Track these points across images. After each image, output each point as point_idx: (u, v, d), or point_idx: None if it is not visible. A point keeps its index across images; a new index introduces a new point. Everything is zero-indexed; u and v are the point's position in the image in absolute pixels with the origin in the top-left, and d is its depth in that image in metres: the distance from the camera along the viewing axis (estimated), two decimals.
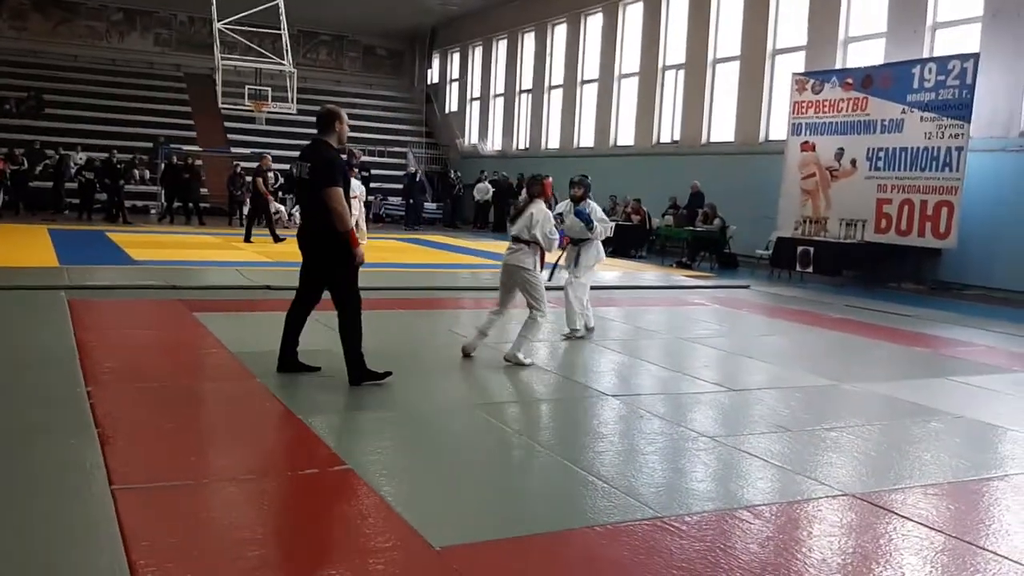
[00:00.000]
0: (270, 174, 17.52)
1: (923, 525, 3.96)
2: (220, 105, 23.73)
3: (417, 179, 26.93)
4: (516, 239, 7.26)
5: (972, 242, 13.73)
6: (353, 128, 31.88)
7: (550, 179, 7.57)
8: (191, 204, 22.42)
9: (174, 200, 22.53)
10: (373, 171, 28.47)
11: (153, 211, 24.44)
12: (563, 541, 3.60)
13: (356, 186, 15.41)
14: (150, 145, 26.09)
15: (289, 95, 23.73)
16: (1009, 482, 4.70)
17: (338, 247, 5.95)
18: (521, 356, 7.06)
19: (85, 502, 3.72)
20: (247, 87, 24.10)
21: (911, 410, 6.21)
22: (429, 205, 28.34)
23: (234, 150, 27.54)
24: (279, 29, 23.47)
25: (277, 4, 22.98)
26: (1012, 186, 13.65)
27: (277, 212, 19.46)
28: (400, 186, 27.91)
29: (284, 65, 23.47)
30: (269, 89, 24.41)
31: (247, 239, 16.86)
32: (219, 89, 23.16)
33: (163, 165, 23.34)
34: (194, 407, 5.59)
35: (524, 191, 7.70)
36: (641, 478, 4.46)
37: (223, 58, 23.15)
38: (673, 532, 3.73)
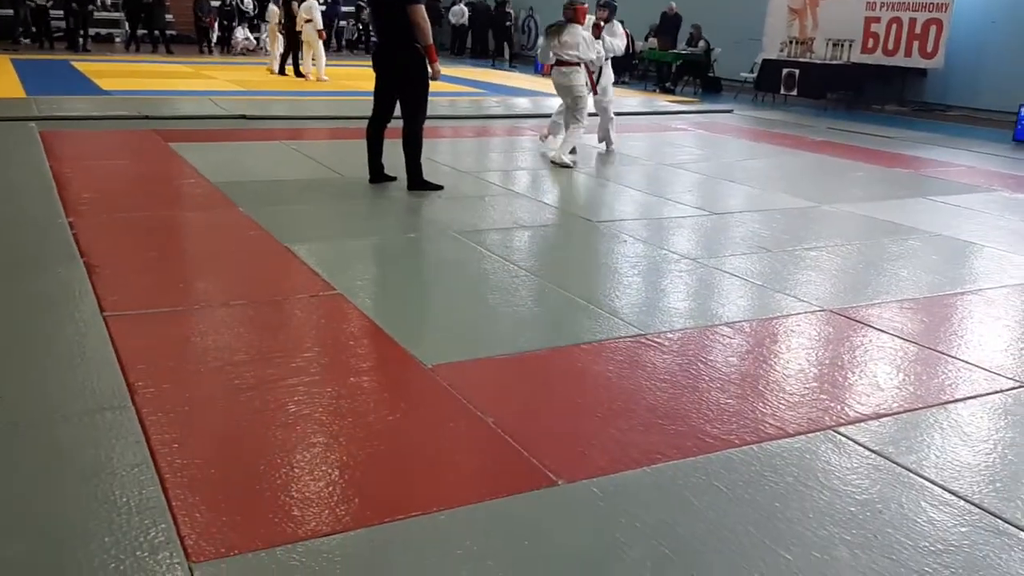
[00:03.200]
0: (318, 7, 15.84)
1: (898, 337, 4.10)
2: None
3: None
4: (565, 61, 8.30)
5: (959, 62, 13.52)
6: None
7: (585, 4, 8.26)
8: (157, 32, 21.50)
9: (138, 27, 21.57)
10: None
11: (118, 39, 23.45)
12: (550, 358, 3.71)
13: (309, 7, 14.84)
14: None
15: None
16: (983, 296, 4.84)
17: (416, 63, 6.48)
18: (566, 159, 8.26)
19: (78, 328, 3.77)
20: None
21: (889, 229, 6.30)
22: None
23: None
24: None
25: None
26: (1001, 4, 13.29)
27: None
28: None
29: None
30: None
31: (281, 71, 16.14)
32: None
33: None
34: (178, 236, 5.57)
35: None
36: (625, 299, 4.55)
37: None
38: (655, 347, 3.85)
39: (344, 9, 27.07)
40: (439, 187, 6.94)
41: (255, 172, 7.42)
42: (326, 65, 15.81)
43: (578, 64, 8.34)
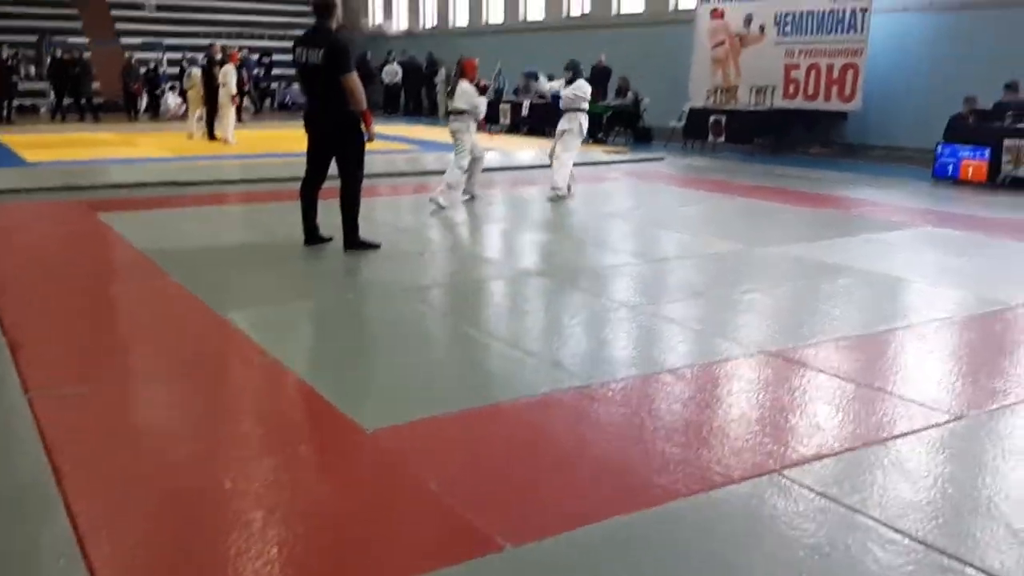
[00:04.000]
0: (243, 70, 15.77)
1: (835, 376, 4.16)
2: None
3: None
4: (452, 111, 9.23)
5: (876, 103, 14.02)
6: (251, 11, 30.50)
7: (472, 60, 9.28)
8: (84, 100, 21.22)
9: (64, 97, 21.27)
10: (275, 57, 27.34)
11: (43, 109, 23.08)
12: (493, 414, 3.67)
13: (225, 72, 14.89)
14: (33, 39, 24.39)
15: None
16: (913, 330, 4.95)
17: (350, 123, 6.50)
18: (440, 199, 8.81)
19: (1, 409, 3.61)
20: None
21: (820, 268, 6.44)
22: None
23: (124, 41, 25.97)
24: None
25: None
26: (914, 46, 13.89)
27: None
28: None
29: None
30: None
31: (211, 136, 15.95)
32: None
33: (49, 60, 21.88)
34: (107, 309, 5.42)
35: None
36: (566, 350, 4.54)
37: None
38: (599, 399, 3.83)
39: (278, 72, 27.15)
40: (376, 245, 6.88)
41: (187, 239, 7.29)
42: (235, 127, 15.84)
43: (463, 113, 9.07)
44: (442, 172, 12.18)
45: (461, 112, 9.09)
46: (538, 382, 4.03)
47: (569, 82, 9.92)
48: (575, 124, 9.81)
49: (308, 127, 6.74)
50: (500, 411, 3.70)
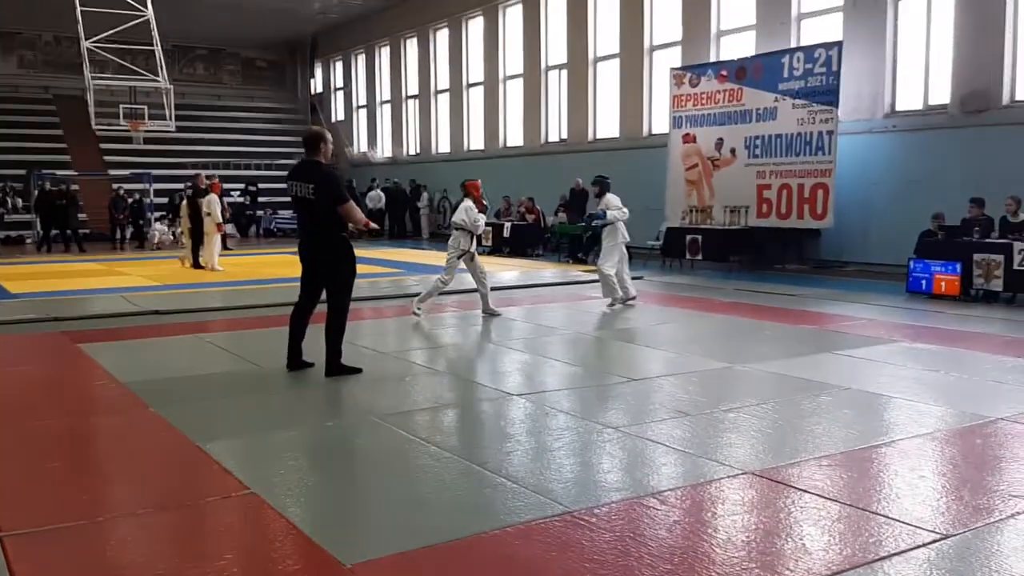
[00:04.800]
0: (224, 198, 16.27)
1: (819, 496, 4.13)
2: (94, 126, 22.78)
3: None
4: (451, 226, 9.93)
5: (847, 221, 14.40)
6: (236, 142, 31.45)
7: (477, 181, 10.08)
8: (69, 231, 21.47)
9: (51, 228, 21.53)
10: (261, 185, 27.94)
11: (29, 241, 23.30)
12: (476, 545, 3.61)
13: (209, 201, 15.30)
14: (22, 172, 24.87)
15: (167, 112, 22.96)
16: (895, 447, 4.95)
17: (342, 250, 6.76)
18: (416, 308, 9.80)
19: None
20: (121, 106, 23.20)
21: (801, 386, 6.47)
22: None
23: (112, 172, 26.52)
24: (152, 45, 22.68)
25: (148, 20, 22.20)
26: (880, 165, 14.39)
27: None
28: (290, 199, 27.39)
29: (159, 82, 22.69)
30: (145, 107, 23.56)
31: (196, 264, 16.09)
32: (92, 110, 22.21)
33: (36, 192, 22.25)
34: (83, 443, 5.35)
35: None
36: (550, 475, 4.51)
37: (94, 77, 22.22)
38: (584, 525, 3.79)
39: (263, 199, 27.66)
40: (358, 370, 6.91)
41: (168, 369, 7.27)
42: (220, 255, 16.12)
43: (459, 230, 9.75)
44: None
45: (458, 228, 9.77)
46: (521, 509, 3.99)
47: (598, 196, 10.76)
48: (617, 237, 10.63)
49: (301, 254, 6.94)
50: (483, 542, 3.64)
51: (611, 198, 10.58)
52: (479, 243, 10.19)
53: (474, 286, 10.18)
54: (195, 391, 6.47)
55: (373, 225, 7.03)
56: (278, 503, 4.06)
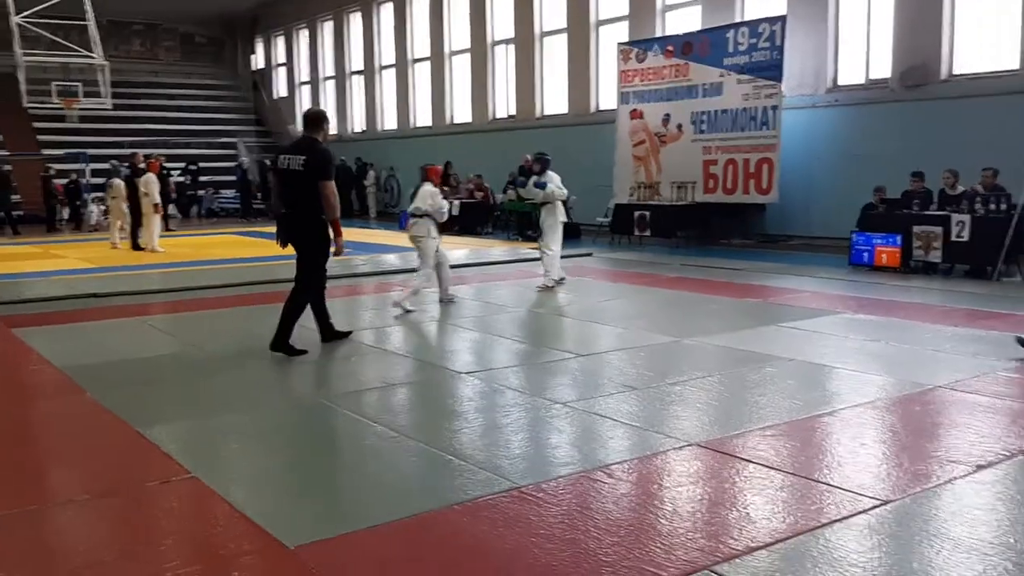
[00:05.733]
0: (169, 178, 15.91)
1: (763, 466, 4.18)
2: (26, 104, 22.05)
3: (243, 169, 26.07)
4: (413, 214, 9.13)
5: (792, 195, 14.59)
6: (176, 120, 30.66)
7: (436, 166, 9.59)
8: (3, 213, 20.81)
9: None
10: (202, 164, 27.35)
11: None
12: (422, 524, 3.58)
13: (147, 181, 14.95)
14: None
15: (102, 89, 22.31)
16: (837, 417, 5.03)
17: (317, 232, 6.72)
18: (406, 304, 8.78)
19: None
20: (54, 84, 22.48)
21: (746, 358, 6.54)
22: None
23: (46, 152, 25.73)
24: (85, 20, 21.98)
25: None
26: (823, 140, 14.58)
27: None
28: (233, 178, 26.93)
29: (94, 58, 22.02)
30: (80, 85, 22.85)
31: (135, 246, 15.63)
32: (23, 88, 21.49)
33: None
34: (18, 430, 5.19)
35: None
36: (498, 451, 4.49)
37: (25, 54, 21.48)
38: (532, 501, 3.78)
39: (205, 179, 27.10)
40: (303, 352, 6.83)
41: (106, 353, 7.09)
42: (161, 236, 15.79)
43: (422, 216, 9.02)
44: (374, 274, 12.23)
45: (422, 215, 9.01)
46: (469, 486, 3.96)
47: (539, 174, 10.55)
48: (557, 215, 10.52)
49: (280, 236, 6.90)
50: (431, 520, 3.61)
51: (552, 175, 10.49)
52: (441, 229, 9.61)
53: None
54: (135, 375, 6.31)
55: (342, 240, 6.89)
56: (220, 487, 3.98)
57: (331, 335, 7.26)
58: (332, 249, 6.86)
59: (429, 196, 9.04)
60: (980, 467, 4.12)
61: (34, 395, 5.98)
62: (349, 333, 7.45)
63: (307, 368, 6.55)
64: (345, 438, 4.80)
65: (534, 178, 10.64)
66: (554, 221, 10.56)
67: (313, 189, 6.60)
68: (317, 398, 5.55)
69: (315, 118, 6.96)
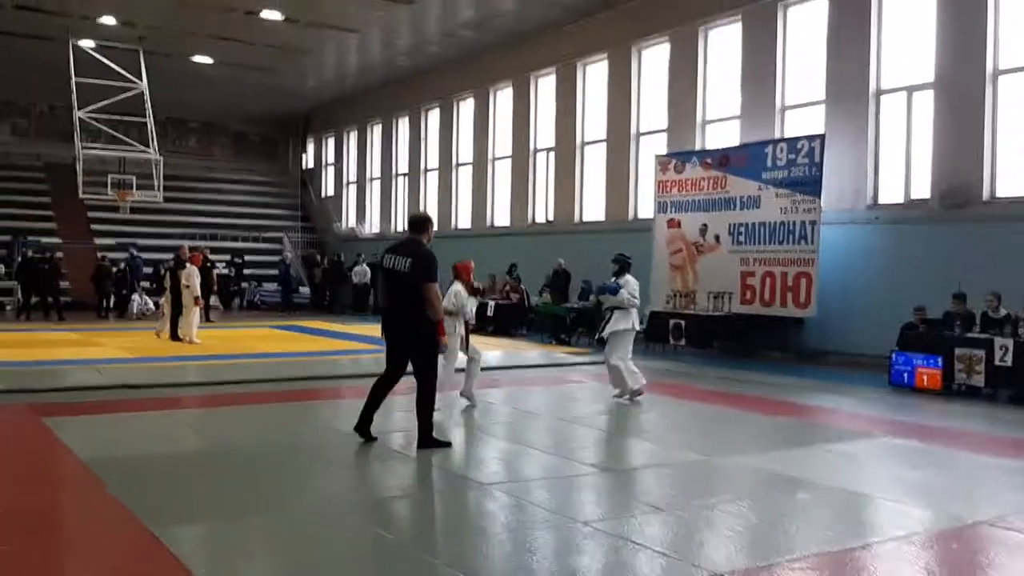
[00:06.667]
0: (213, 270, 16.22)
1: None
2: (81, 195, 22.83)
3: (286, 264, 26.62)
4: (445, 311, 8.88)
5: (830, 310, 14.41)
6: (225, 214, 31.47)
7: (466, 262, 9.48)
8: (50, 299, 21.32)
9: (31, 295, 21.37)
10: (247, 257, 27.94)
11: (8, 307, 23.10)
12: None
13: (188, 274, 15.22)
14: (7, 238, 24.84)
15: (155, 183, 23.07)
16: (871, 551, 4.82)
17: (424, 329, 6.98)
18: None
19: None
20: (110, 175, 23.30)
21: (779, 482, 6.34)
22: (303, 290, 27.89)
23: (97, 241, 26.50)
24: (145, 117, 22.92)
25: (142, 92, 22.48)
26: (862, 255, 14.48)
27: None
28: (276, 272, 27.42)
29: (149, 153, 22.86)
30: (133, 177, 23.66)
31: (173, 336, 15.89)
32: (80, 178, 22.30)
33: (19, 259, 22.17)
34: (32, 525, 5.14)
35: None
36: (516, 573, 4.35)
37: (84, 146, 22.37)
38: None
39: (248, 272, 27.63)
40: (447, 444, 7.17)
41: (133, 446, 7.10)
42: (200, 327, 16.00)
43: (450, 315, 8.91)
44: (409, 374, 12.20)
45: (448, 313, 8.97)
46: None
47: (616, 276, 10.04)
48: (628, 322, 9.91)
49: (385, 330, 7.23)
50: None
51: (630, 280, 10.01)
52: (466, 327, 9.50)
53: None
54: (159, 471, 6.29)
55: (444, 338, 7.32)
56: None
57: (364, 429, 7.29)
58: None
59: (453, 295, 9.09)
60: None
61: (54, 489, 5.97)
62: (375, 439, 7.36)
63: (334, 471, 6.49)
64: (359, 549, 4.69)
65: (601, 285, 10.25)
66: (626, 327, 9.91)
67: (417, 290, 6.90)
68: (339, 507, 5.45)
69: (421, 222, 7.32)
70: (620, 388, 9.93)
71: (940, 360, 11.09)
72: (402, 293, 7.05)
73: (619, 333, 9.87)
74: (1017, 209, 12.66)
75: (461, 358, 9.42)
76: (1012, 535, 5.14)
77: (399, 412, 9.26)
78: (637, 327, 10.05)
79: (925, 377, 11.21)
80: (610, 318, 10.02)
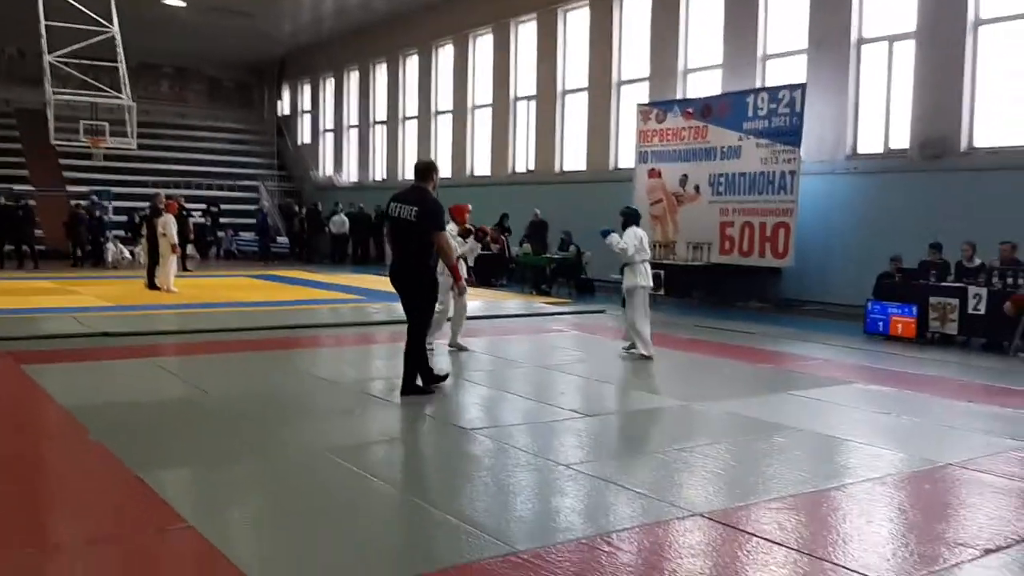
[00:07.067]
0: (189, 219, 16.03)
1: (767, 540, 4.09)
2: (53, 141, 22.42)
3: (263, 212, 26.41)
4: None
5: (808, 261, 14.54)
6: (200, 162, 31.12)
7: (461, 205, 9.50)
8: (24, 247, 21.06)
9: (5, 243, 21.09)
10: (223, 206, 27.67)
11: None
12: None
13: (165, 222, 15.10)
14: None
15: (129, 129, 22.69)
16: (845, 492, 4.94)
17: (426, 280, 7.04)
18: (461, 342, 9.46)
19: None
20: (82, 122, 22.89)
21: (755, 426, 6.46)
22: (281, 239, 27.72)
23: (70, 188, 26.12)
24: (116, 62, 22.44)
25: (113, 36, 21.98)
26: (840, 206, 14.58)
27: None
28: (253, 221, 27.21)
29: (122, 99, 22.44)
30: (106, 124, 23.24)
31: (151, 285, 15.73)
32: (51, 124, 21.88)
33: None
34: (16, 468, 5.16)
35: None
36: (500, 514, 4.43)
37: (55, 92, 21.90)
38: (529, 567, 3.71)
39: (225, 220, 27.39)
40: (430, 392, 7.19)
41: (114, 393, 7.10)
42: (177, 276, 15.88)
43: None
44: (388, 323, 12.23)
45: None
46: (465, 549, 3.90)
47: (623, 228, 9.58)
48: (636, 278, 9.47)
49: (393, 281, 7.18)
50: None
51: (631, 232, 9.51)
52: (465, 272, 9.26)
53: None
54: (140, 418, 6.30)
55: (463, 282, 7.42)
56: (216, 538, 3.93)
57: (432, 378, 7.38)
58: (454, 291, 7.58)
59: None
60: (988, 551, 4.02)
61: (38, 434, 5.97)
62: (445, 376, 7.55)
63: (313, 418, 6.52)
64: (345, 494, 4.74)
65: (614, 236, 9.59)
66: (632, 284, 9.47)
67: (425, 238, 6.90)
68: (321, 451, 5.50)
69: (425, 169, 7.25)
70: (639, 348, 9.53)
71: (915, 309, 11.26)
72: (407, 242, 7.03)
73: (631, 291, 9.51)
74: (994, 160, 12.76)
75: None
76: (982, 476, 5.28)
77: (379, 360, 9.33)
78: (644, 284, 9.50)
79: (900, 326, 11.38)
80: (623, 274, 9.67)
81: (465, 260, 9.38)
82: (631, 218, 9.84)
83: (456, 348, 9.55)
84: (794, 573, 3.73)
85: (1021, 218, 11.64)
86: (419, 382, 7.23)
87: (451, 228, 9.10)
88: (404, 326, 7.25)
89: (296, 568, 3.70)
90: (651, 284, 9.67)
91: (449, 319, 9.69)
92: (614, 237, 9.54)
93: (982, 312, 10.70)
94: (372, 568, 3.68)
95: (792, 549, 4.00)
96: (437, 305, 8.93)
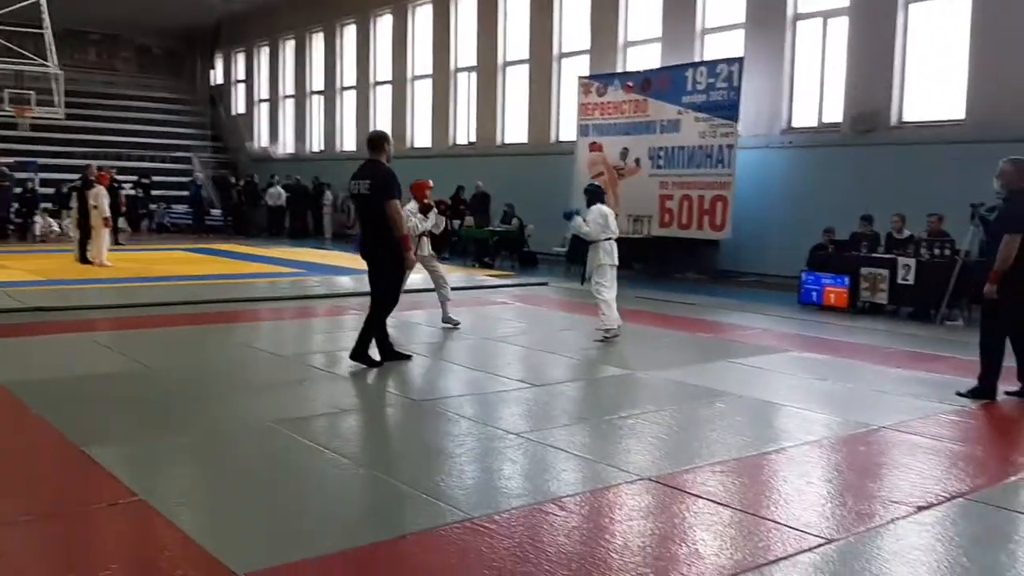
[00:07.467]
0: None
1: (712, 501, 4.24)
2: None
3: (197, 184, 25.86)
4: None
5: (745, 233, 14.83)
6: (130, 132, 30.15)
7: (421, 180, 9.35)
8: None
9: None
10: (155, 178, 26.98)
11: None
12: (372, 554, 3.56)
13: (96, 194, 14.73)
14: None
15: (56, 99, 21.93)
16: (785, 454, 5.12)
17: (390, 252, 7.03)
18: (452, 317, 9.55)
19: None
20: (7, 91, 22.04)
21: (698, 393, 6.63)
22: (215, 211, 27.18)
23: None
24: (41, 28, 21.63)
25: (38, 1, 21.17)
26: (776, 180, 14.89)
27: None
28: (186, 193, 26.63)
29: (48, 67, 21.66)
30: (32, 93, 22.44)
31: (83, 260, 15.24)
32: None
33: None
34: None
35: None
36: (450, 481, 4.49)
37: None
38: (483, 532, 3.78)
39: (157, 193, 26.74)
40: (378, 363, 7.20)
41: (52, 369, 6.95)
42: (109, 250, 15.50)
43: (419, 236, 9.06)
44: (328, 296, 12.16)
45: (421, 234, 9.18)
46: (419, 517, 3.95)
47: (588, 206, 9.37)
48: (599, 255, 9.24)
49: (363, 255, 7.25)
50: (378, 550, 3.60)
51: (597, 209, 9.22)
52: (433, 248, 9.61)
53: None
54: (80, 392, 6.20)
55: (410, 254, 7.34)
56: (168, 510, 3.91)
57: (391, 354, 7.45)
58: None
59: (409, 214, 8.60)
60: (921, 508, 4.23)
61: None
62: (409, 357, 7.62)
63: (255, 392, 6.48)
64: (295, 464, 4.75)
65: (578, 219, 9.31)
66: (598, 263, 9.25)
67: (381, 210, 6.92)
68: (265, 422, 5.49)
69: (376, 140, 7.24)
70: (607, 325, 9.11)
71: (847, 279, 11.60)
72: (366, 215, 7.12)
73: (597, 269, 9.28)
74: (922, 134, 13.16)
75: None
76: (913, 438, 5.52)
77: (320, 334, 9.29)
78: (607, 261, 9.21)
79: (832, 296, 11.72)
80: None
81: (431, 235, 9.41)
82: (595, 195, 9.54)
83: (449, 323, 9.56)
84: (740, 532, 3.87)
85: (949, 191, 12.03)
86: (372, 354, 7.23)
87: (412, 206, 9.01)
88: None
89: (253, 537, 3.71)
90: (616, 262, 9.39)
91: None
92: (577, 220, 9.31)
93: (911, 282, 11.07)
94: (331, 535, 3.71)
95: (737, 509, 4.15)
96: (440, 275, 9.48)
